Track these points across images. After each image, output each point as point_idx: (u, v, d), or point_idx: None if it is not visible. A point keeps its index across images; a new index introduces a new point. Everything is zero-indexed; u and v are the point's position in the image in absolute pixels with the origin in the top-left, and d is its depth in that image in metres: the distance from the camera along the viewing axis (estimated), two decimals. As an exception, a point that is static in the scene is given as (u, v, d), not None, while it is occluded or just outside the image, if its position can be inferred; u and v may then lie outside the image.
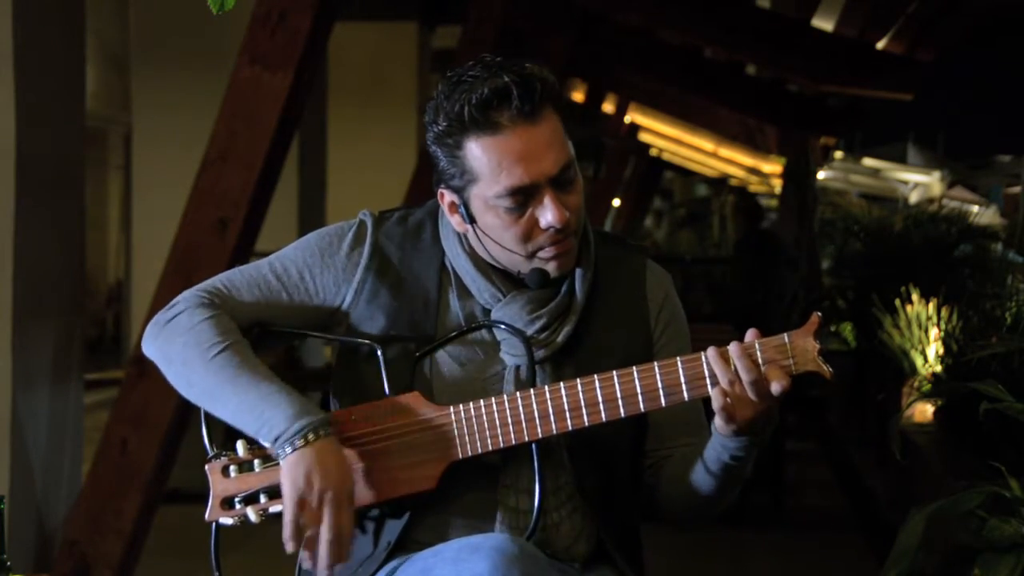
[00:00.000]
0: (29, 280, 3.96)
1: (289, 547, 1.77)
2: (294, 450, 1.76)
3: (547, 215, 1.84)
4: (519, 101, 1.81)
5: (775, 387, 1.77)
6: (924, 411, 5.13)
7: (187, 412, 4.05)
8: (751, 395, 1.77)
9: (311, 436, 1.77)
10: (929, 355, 5.88)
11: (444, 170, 1.88)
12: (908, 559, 2.34)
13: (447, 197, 1.91)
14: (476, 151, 1.83)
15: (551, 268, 1.89)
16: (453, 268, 1.96)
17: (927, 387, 5.15)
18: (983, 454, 3.66)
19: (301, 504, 1.75)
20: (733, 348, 1.78)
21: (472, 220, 1.88)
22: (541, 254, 1.88)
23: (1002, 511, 2.41)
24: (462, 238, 1.95)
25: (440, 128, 1.85)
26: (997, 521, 2.38)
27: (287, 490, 1.76)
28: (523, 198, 1.84)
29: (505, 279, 1.94)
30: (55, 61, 4.15)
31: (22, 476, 3.97)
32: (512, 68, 1.82)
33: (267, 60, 3.94)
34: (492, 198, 1.84)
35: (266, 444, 1.81)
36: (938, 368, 5.60)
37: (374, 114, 9.89)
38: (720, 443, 1.85)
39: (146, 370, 3.94)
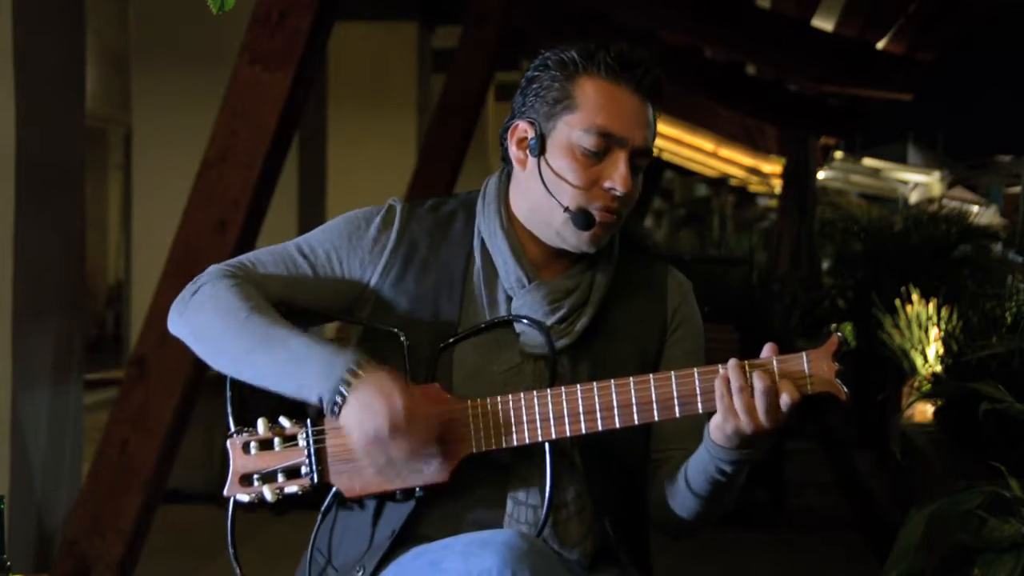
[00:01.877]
0: (29, 280, 3.96)
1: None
2: (341, 406, 1.80)
3: (616, 176, 1.91)
4: (643, 76, 1.93)
5: (784, 399, 1.78)
6: (924, 411, 5.13)
7: (187, 412, 4.05)
8: (760, 406, 1.78)
9: (350, 380, 1.80)
10: (929, 355, 5.87)
11: (538, 96, 1.94)
12: (908, 559, 2.34)
13: (519, 131, 1.97)
14: (589, 87, 1.92)
15: (589, 236, 1.93)
16: (483, 251, 1.98)
17: (927, 387, 5.14)
18: (983, 454, 3.66)
19: (371, 448, 1.81)
20: (751, 363, 1.80)
21: (542, 152, 1.93)
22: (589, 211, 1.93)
23: (1002, 511, 2.41)
24: (503, 218, 1.97)
25: (566, 55, 1.93)
26: (997, 521, 2.37)
27: (358, 442, 1.82)
28: (606, 146, 1.91)
29: (532, 265, 1.96)
30: (55, 61, 4.14)
31: (22, 476, 3.96)
32: (652, 56, 1.94)
33: (267, 60, 3.94)
34: (580, 132, 1.91)
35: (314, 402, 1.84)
36: (938, 368, 5.59)
37: (374, 114, 9.87)
38: (710, 452, 1.85)
39: (146, 370, 3.94)
